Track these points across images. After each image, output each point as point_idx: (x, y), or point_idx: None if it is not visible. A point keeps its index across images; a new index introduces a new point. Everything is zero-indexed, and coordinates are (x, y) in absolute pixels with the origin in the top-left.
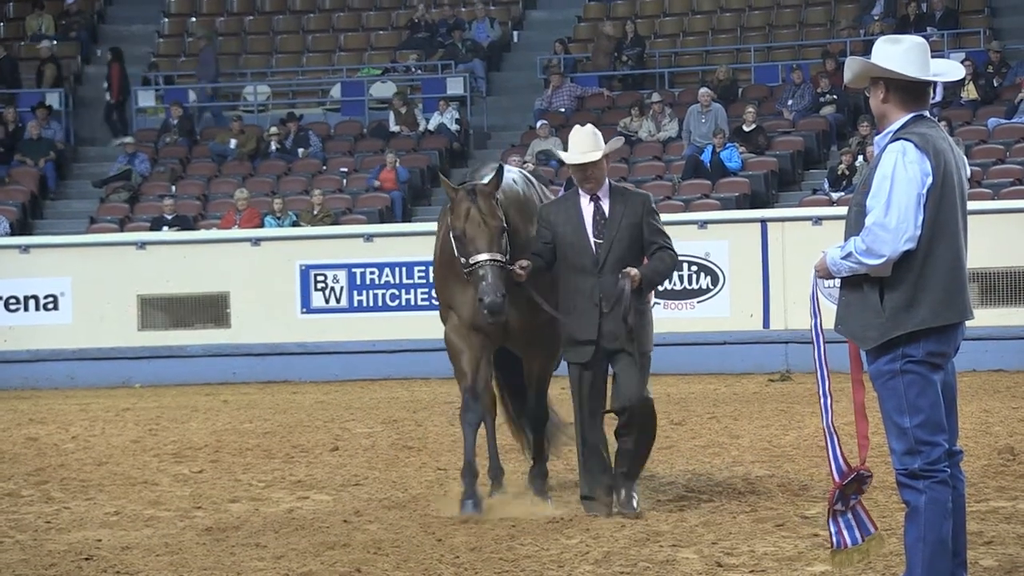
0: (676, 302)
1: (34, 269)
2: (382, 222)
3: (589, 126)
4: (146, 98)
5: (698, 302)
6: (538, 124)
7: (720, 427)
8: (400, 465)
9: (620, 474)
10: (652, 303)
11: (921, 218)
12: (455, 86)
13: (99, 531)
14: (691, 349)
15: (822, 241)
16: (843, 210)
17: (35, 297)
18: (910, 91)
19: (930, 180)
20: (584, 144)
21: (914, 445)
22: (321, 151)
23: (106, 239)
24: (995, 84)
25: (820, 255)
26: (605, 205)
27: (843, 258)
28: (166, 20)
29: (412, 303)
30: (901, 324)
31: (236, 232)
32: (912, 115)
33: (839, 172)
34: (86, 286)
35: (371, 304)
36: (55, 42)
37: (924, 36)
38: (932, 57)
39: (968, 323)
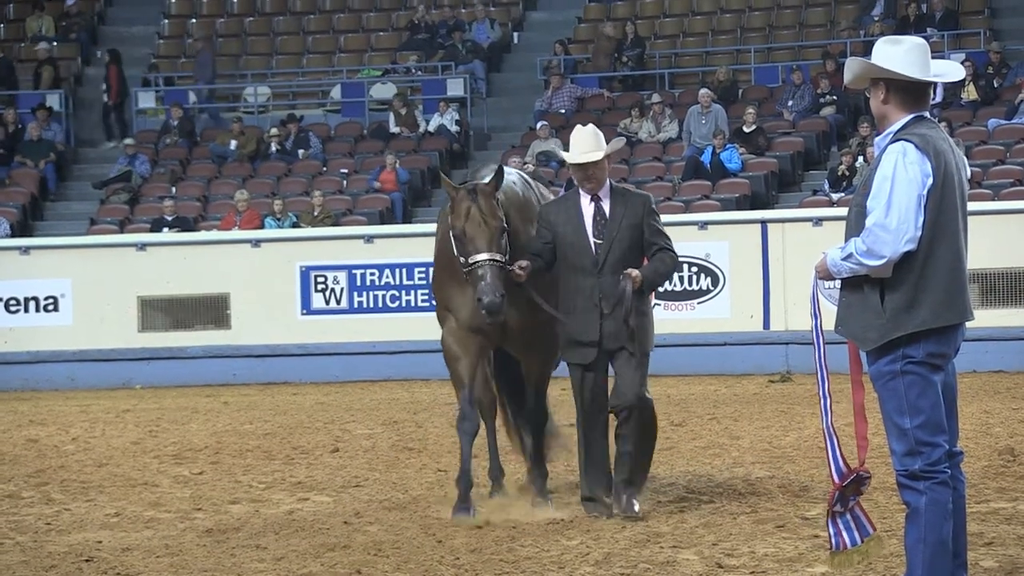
0: (676, 303)
1: (34, 270)
2: (382, 223)
3: (591, 126)
4: (146, 99)
5: (698, 303)
6: (538, 125)
7: (720, 428)
8: (400, 466)
9: (621, 481)
10: (653, 304)
11: (922, 219)
12: (455, 87)
13: (99, 533)
14: (691, 350)
15: (822, 242)
16: (843, 211)
17: (35, 298)
18: (910, 92)
19: (930, 181)
20: (586, 144)
21: (914, 446)
22: (321, 152)
23: (106, 240)
24: (995, 85)
25: (820, 256)
26: (606, 205)
27: (843, 259)
28: (166, 21)
29: (412, 304)
30: (902, 325)
31: (236, 233)
32: (912, 116)
33: (839, 173)
34: (86, 287)
35: (371, 305)
36: (55, 43)
37: (924, 37)
38: (932, 58)
39: (968, 324)
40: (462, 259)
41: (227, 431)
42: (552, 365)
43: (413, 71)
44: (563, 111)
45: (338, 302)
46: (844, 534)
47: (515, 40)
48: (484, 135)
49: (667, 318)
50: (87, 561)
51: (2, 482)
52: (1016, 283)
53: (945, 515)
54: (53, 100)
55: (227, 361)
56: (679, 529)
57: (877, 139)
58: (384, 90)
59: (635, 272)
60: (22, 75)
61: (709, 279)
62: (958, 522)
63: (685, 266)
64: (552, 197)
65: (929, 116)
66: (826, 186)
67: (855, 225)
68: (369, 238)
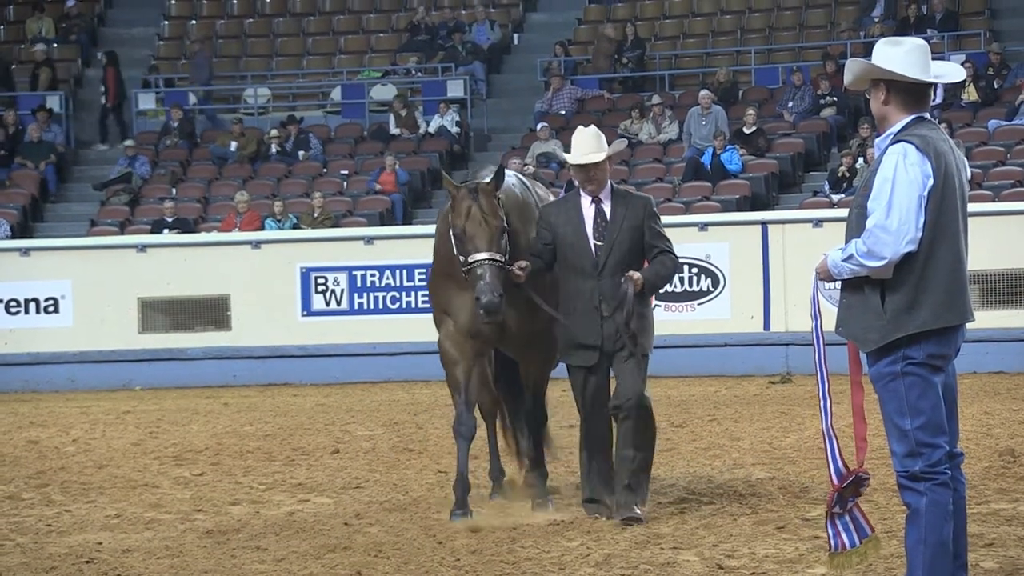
0: (677, 304)
1: (35, 272)
2: (382, 224)
3: (592, 127)
4: (146, 101)
5: (699, 304)
6: (538, 126)
7: (721, 429)
8: (401, 468)
9: (623, 487)
10: (653, 305)
11: (922, 220)
12: (455, 88)
13: (100, 534)
14: (692, 351)
15: (823, 243)
16: (843, 212)
17: (36, 300)
18: (911, 93)
19: (931, 182)
20: (587, 145)
21: (915, 447)
22: (321, 154)
23: (107, 242)
24: (995, 86)
25: (821, 257)
26: (606, 207)
27: (844, 260)
28: (166, 23)
29: (413, 306)
30: (902, 326)
31: (236, 235)
32: (913, 117)
33: (839, 174)
34: (87, 289)
35: (372, 307)
36: (55, 45)
37: (924, 38)
38: (932, 59)
39: (969, 325)
40: (461, 258)
41: (227, 432)
42: (551, 366)
43: (413, 72)
44: (563, 112)
45: (338, 303)
46: (843, 535)
47: (515, 41)
48: (484, 136)
49: (667, 319)
50: (87, 562)
51: (3, 483)
52: (1016, 284)
53: (945, 516)
54: (53, 102)
55: (227, 362)
56: (680, 530)
57: (877, 140)
58: (384, 91)
59: (637, 275)
60: (20, 76)
61: (709, 280)
62: (958, 523)
63: (685, 267)
64: (551, 198)
65: (929, 117)
66: (826, 187)
67: (855, 226)
68: (369, 239)
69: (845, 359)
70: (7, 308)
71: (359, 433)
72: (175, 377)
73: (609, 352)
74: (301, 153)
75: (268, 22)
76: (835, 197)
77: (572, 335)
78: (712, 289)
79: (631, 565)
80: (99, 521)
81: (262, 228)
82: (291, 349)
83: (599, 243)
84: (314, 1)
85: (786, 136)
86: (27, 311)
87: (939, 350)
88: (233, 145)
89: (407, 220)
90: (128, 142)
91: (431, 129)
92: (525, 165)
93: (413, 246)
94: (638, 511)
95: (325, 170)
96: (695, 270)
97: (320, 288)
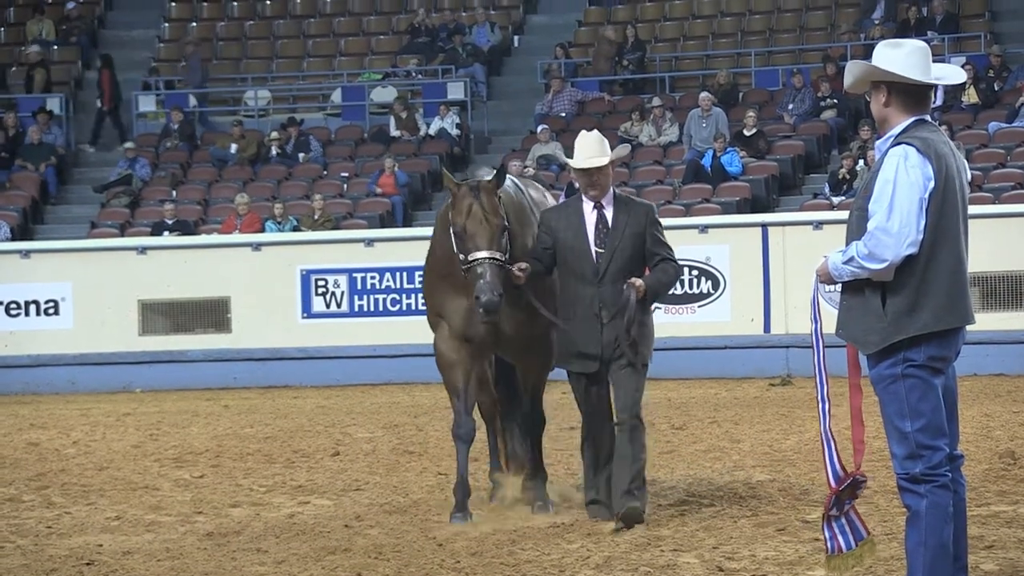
0: (677, 306)
1: (35, 274)
2: (383, 227)
3: (595, 132)
4: (146, 103)
5: (699, 306)
6: (539, 128)
7: (721, 431)
8: (401, 470)
9: (623, 493)
10: (653, 308)
11: (923, 222)
12: (456, 91)
13: (100, 536)
14: (692, 353)
15: (823, 245)
16: (844, 214)
17: (36, 302)
18: (912, 95)
19: (932, 184)
20: (591, 149)
21: (915, 449)
22: (322, 156)
23: (107, 244)
24: (996, 88)
25: (821, 259)
26: (608, 214)
27: (845, 263)
28: (166, 25)
29: (413, 308)
30: (903, 328)
31: (237, 237)
32: (913, 119)
33: (840, 176)
34: (87, 291)
35: (372, 309)
36: (55, 47)
37: (925, 40)
38: (933, 61)
39: (969, 327)
40: (461, 256)
41: (228, 435)
42: (548, 370)
43: (413, 75)
44: (563, 115)
45: (338, 306)
46: (839, 538)
47: (515, 43)
48: (484, 138)
49: (668, 322)
50: (88, 564)
51: (3, 486)
52: (1017, 286)
53: (946, 518)
54: (53, 104)
55: (228, 365)
56: (680, 532)
57: (878, 142)
58: (384, 94)
59: (639, 281)
60: (15, 79)
61: (710, 282)
62: (959, 525)
63: (686, 270)
64: (550, 200)
65: (930, 119)
66: (827, 189)
67: (856, 229)
68: (369, 242)
69: (845, 362)
70: (7, 310)
71: (359, 435)
72: (175, 379)
73: (608, 359)
74: (301, 155)
75: (268, 24)
76: (835, 199)
77: (571, 342)
78: (712, 291)
79: (631, 567)
80: (99, 523)
81: (262, 230)
82: (291, 351)
83: (600, 250)
84: (314, 3)
85: (786, 138)
86: (27, 313)
87: (940, 352)
88: (233, 147)
89: (407, 222)
90: (128, 144)
91: (431, 131)
92: (525, 167)
93: (413, 248)
94: (639, 505)
95: (325, 172)
96: (695, 272)
97: (320, 290)
